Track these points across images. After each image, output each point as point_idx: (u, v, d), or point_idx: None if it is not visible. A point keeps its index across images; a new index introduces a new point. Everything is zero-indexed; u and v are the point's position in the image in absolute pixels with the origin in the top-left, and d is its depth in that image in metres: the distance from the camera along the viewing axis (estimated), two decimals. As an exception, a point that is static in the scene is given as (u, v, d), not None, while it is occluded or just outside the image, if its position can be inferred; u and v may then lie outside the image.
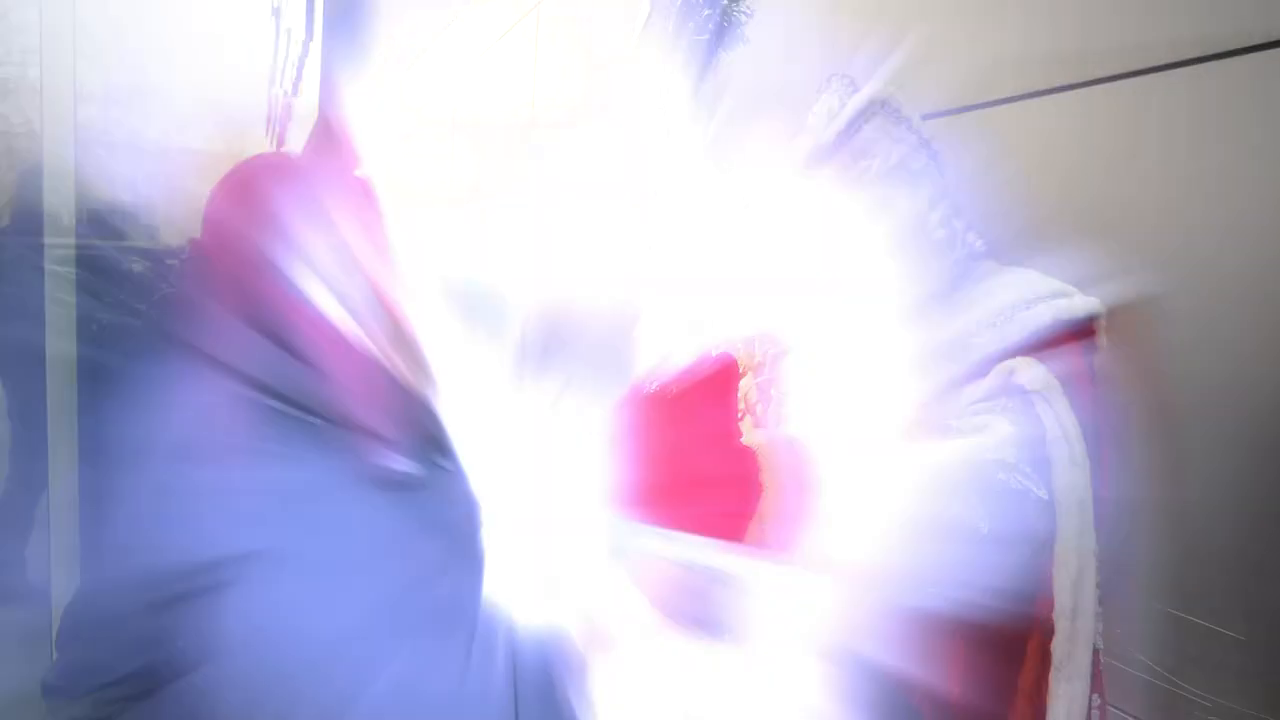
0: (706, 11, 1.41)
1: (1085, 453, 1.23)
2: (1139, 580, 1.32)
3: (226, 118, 2.49)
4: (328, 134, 1.31)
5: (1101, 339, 1.31)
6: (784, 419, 1.31)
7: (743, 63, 1.47)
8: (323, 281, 1.09)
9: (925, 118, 1.40)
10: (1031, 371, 1.25)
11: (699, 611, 1.30)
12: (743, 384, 1.33)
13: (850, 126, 1.37)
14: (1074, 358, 1.29)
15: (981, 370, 1.28)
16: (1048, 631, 1.23)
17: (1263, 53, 1.22)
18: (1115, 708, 1.33)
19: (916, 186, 1.37)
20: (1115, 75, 1.37)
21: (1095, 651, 1.26)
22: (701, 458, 1.27)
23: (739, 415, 1.33)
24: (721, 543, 1.27)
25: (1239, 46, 1.24)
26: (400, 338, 1.16)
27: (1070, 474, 1.22)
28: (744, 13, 1.45)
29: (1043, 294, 1.32)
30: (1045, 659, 1.24)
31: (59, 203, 2.35)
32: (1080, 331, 1.31)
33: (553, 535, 1.26)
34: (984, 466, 1.20)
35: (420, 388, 1.16)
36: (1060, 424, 1.23)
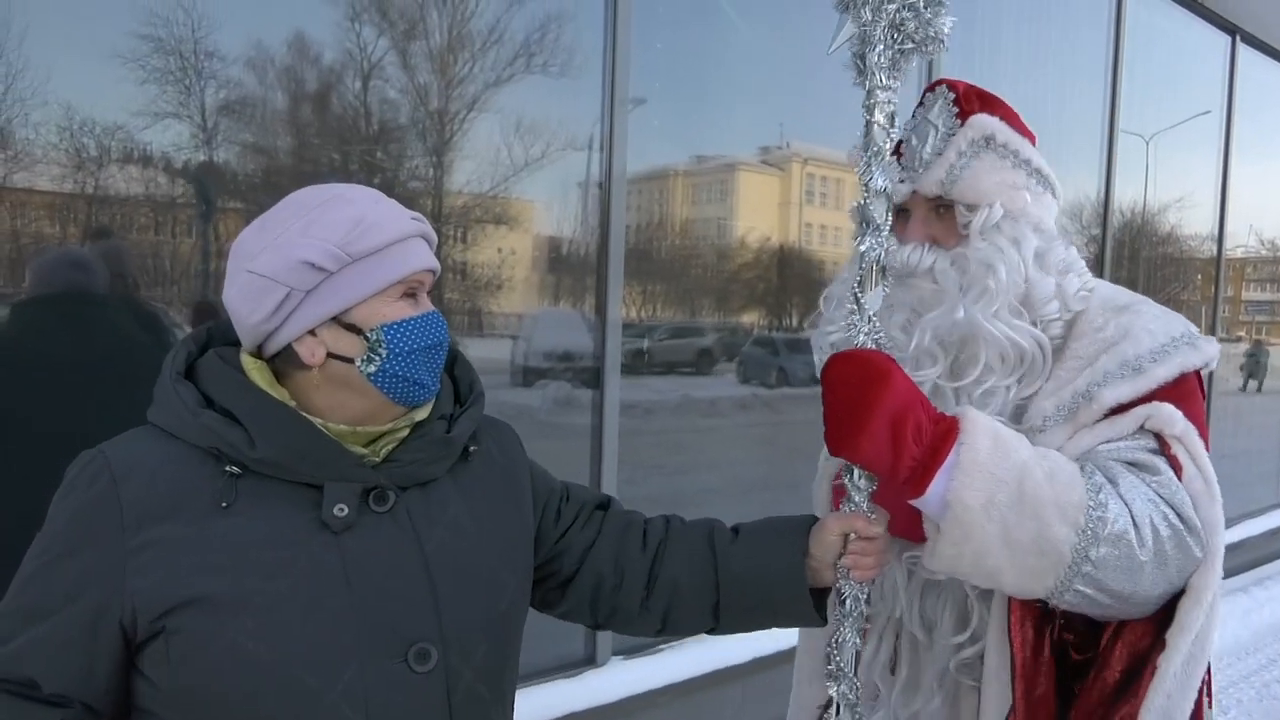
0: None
1: (1217, 490, 1.31)
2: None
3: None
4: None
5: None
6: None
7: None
8: None
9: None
10: (1166, 415, 1.31)
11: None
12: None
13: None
14: (1194, 400, 1.36)
15: (1121, 415, 1.33)
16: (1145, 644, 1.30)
17: None
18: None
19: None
20: None
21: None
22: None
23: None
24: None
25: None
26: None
27: (1209, 510, 1.29)
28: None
29: (1170, 341, 1.37)
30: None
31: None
32: (1199, 374, 1.39)
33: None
34: (1150, 503, 1.25)
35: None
36: (1195, 464, 1.31)
